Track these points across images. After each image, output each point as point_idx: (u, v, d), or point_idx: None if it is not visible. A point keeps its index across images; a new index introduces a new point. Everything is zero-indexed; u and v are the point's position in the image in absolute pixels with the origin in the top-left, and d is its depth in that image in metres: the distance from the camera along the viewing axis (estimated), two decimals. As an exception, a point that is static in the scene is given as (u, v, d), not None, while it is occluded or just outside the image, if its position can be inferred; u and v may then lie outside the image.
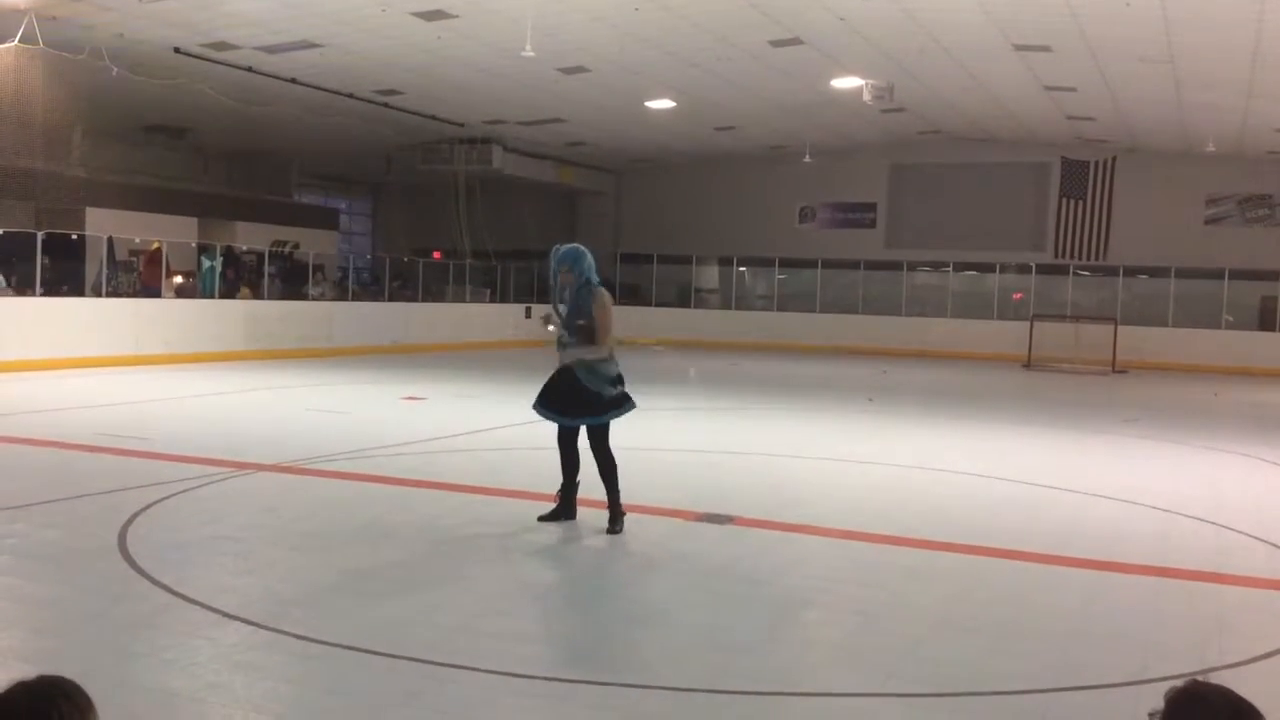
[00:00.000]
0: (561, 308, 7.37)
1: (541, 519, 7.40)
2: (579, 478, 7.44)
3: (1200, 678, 2.13)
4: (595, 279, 7.34)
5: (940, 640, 5.35)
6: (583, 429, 7.34)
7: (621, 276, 33.02)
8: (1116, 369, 24.54)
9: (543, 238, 33.87)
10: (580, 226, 35.04)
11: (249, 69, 20.42)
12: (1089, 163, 29.04)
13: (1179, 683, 2.08)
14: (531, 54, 16.45)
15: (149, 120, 24.97)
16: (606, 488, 7.33)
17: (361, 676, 4.64)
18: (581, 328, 7.19)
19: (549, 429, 7.63)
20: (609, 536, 7.30)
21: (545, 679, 4.65)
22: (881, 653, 5.19)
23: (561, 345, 7.27)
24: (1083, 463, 11.32)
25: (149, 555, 6.19)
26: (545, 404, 7.36)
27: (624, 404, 7.38)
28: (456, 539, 7.09)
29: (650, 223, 33.22)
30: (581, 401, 7.26)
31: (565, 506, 7.45)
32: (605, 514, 7.33)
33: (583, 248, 7.44)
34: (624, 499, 7.25)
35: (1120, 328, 25.31)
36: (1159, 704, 2.05)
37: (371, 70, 21.10)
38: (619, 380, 7.35)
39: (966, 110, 25.31)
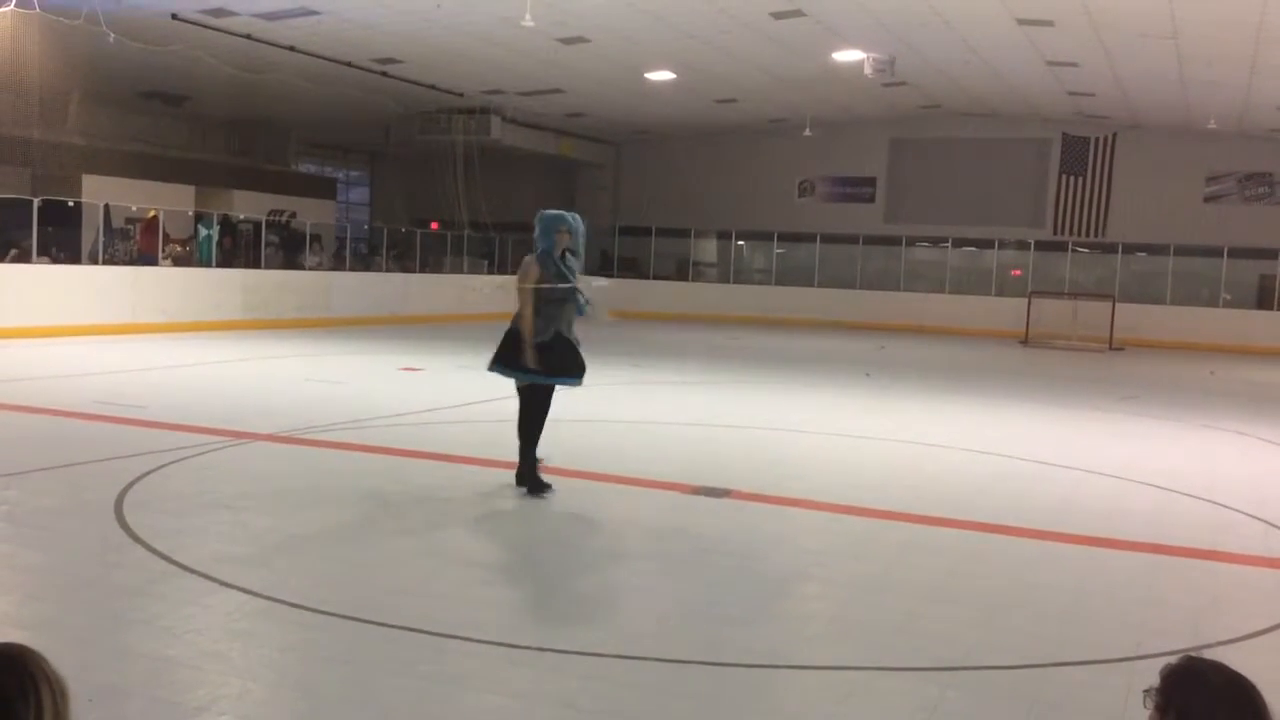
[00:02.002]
0: (574, 264, 7.35)
1: (532, 494, 7.38)
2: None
3: (1196, 653, 2.13)
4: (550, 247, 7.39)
5: (934, 615, 5.37)
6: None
7: (620, 249, 32.95)
8: (1114, 346, 24.53)
9: (539, 209, 33.89)
10: (579, 198, 34.92)
11: (247, 36, 20.27)
12: (1089, 139, 28.93)
13: (1175, 659, 2.08)
14: (531, 24, 16.34)
15: (146, 87, 24.81)
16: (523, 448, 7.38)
17: (357, 645, 4.65)
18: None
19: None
20: (608, 509, 7.31)
21: (539, 649, 4.65)
22: (875, 627, 5.21)
23: (580, 311, 7.31)
24: (1079, 439, 11.33)
25: (145, 523, 6.20)
26: (551, 368, 7.35)
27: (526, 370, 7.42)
28: (452, 509, 7.09)
29: (649, 195, 33.09)
30: (576, 362, 7.32)
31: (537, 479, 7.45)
32: (597, 486, 7.33)
33: (550, 213, 7.51)
34: (620, 471, 7.24)
35: (1118, 305, 25.28)
36: (1155, 680, 2.05)
37: (370, 38, 20.95)
38: (545, 348, 7.39)
39: (968, 85, 25.19)
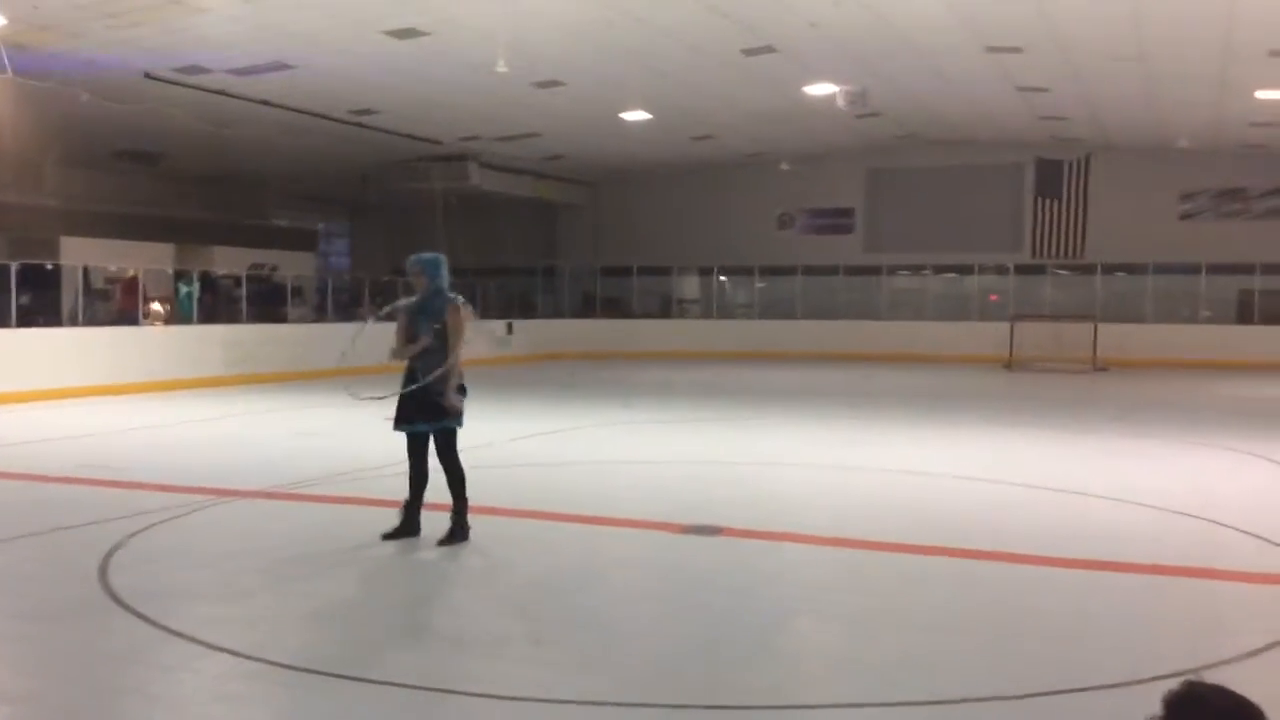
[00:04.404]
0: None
1: (385, 536, 7.25)
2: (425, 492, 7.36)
3: (1196, 677, 2.09)
4: (447, 288, 7.32)
5: (935, 646, 5.30)
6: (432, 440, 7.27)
7: (602, 289, 32.98)
8: (1098, 366, 24.61)
9: (522, 253, 34.01)
10: (560, 240, 35.01)
11: (221, 92, 20.31)
12: (1063, 162, 29.16)
13: (1176, 685, 2.03)
14: (505, 70, 16.39)
15: (121, 146, 24.81)
16: (453, 497, 7.25)
17: (351, 704, 4.56)
18: (436, 331, 7.15)
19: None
20: (599, 552, 7.23)
21: (536, 700, 4.57)
22: (875, 661, 5.14)
23: (405, 352, 7.25)
24: (1070, 461, 11.31)
25: (130, 587, 6.09)
26: (397, 416, 7.29)
27: (460, 414, 7.28)
28: (439, 560, 7.00)
29: (629, 234, 33.20)
30: (426, 407, 7.19)
31: (408, 523, 7.30)
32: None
33: (442, 257, 7.40)
34: (610, 512, 7.16)
35: (1100, 325, 25.38)
36: (1157, 709, 2.00)
37: (345, 90, 21.01)
38: (462, 390, 7.27)
39: (941, 113, 25.40)
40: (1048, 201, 29.64)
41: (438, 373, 7.08)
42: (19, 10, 14.77)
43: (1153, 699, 1.99)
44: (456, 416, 7.25)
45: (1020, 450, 12.19)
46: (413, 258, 7.41)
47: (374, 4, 15.78)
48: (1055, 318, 27.11)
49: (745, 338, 30.18)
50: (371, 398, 7.41)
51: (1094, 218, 29.12)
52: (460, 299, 7.38)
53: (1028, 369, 24.85)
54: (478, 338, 7.32)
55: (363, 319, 7.46)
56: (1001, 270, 29.88)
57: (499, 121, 24.49)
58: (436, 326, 7.17)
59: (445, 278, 7.35)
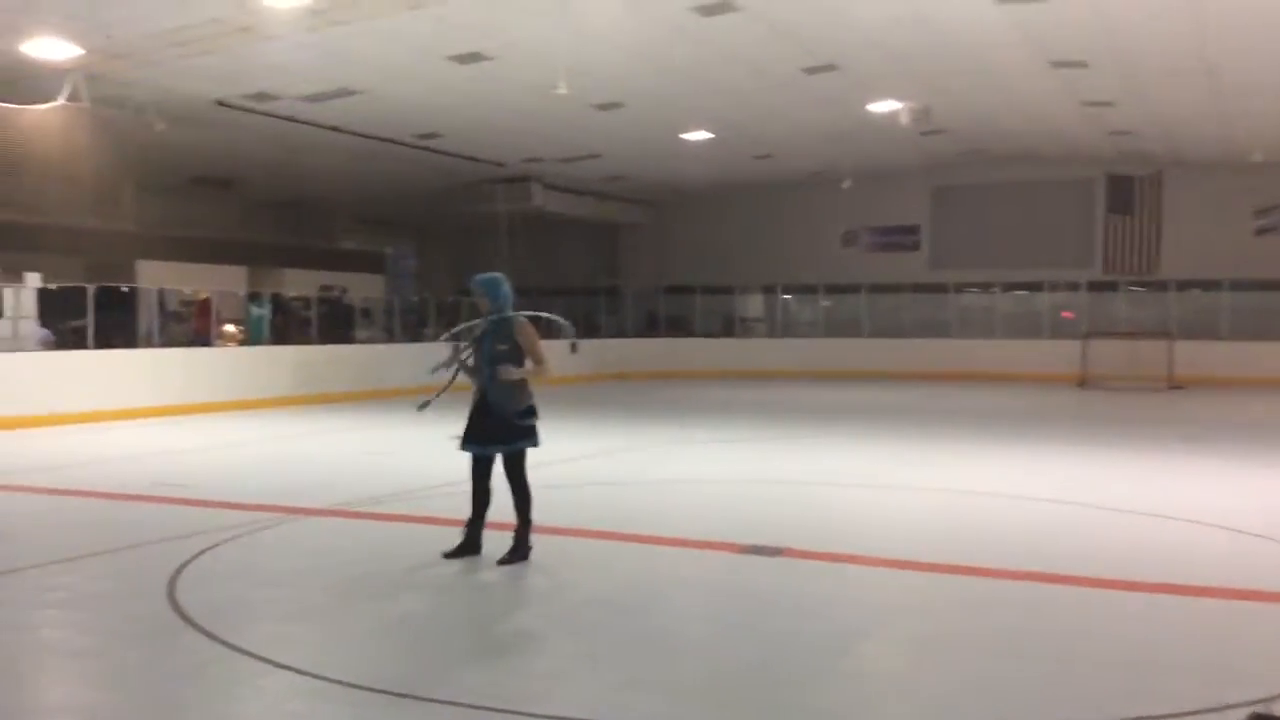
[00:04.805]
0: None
1: (447, 555, 7.29)
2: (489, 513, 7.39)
3: (1265, 708, 2.03)
4: (509, 307, 7.35)
5: (999, 671, 5.21)
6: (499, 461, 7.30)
7: (665, 308, 33.02)
8: (1173, 385, 24.08)
9: (585, 273, 34.18)
10: (622, 260, 35.14)
11: (290, 118, 20.73)
12: (1134, 178, 28.66)
13: (1244, 715, 1.98)
14: (565, 92, 16.53)
15: (195, 172, 25.44)
16: (518, 517, 7.28)
17: (409, 723, 4.59)
18: (505, 352, 7.17)
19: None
20: (658, 572, 7.22)
21: (592, 719, 4.57)
22: (938, 686, 5.06)
23: (480, 370, 7.27)
24: (1143, 483, 11.07)
25: (198, 604, 6.20)
26: (466, 436, 7.33)
27: (532, 435, 7.31)
28: (501, 579, 7.03)
29: (693, 254, 33.22)
30: (492, 429, 7.22)
31: (470, 541, 7.34)
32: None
33: (500, 276, 7.43)
34: (671, 532, 7.14)
35: (1176, 343, 24.85)
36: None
37: (410, 115, 21.34)
38: (531, 411, 7.28)
39: (1006, 129, 25.11)
40: (1119, 217, 29.14)
41: (519, 373, 7.12)
42: (94, 41, 15.21)
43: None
44: (529, 438, 7.27)
45: (1091, 471, 11.96)
46: (475, 279, 7.48)
47: (437, 30, 16.02)
48: (1129, 335, 26.58)
49: (809, 357, 29.98)
50: (425, 402, 7.44)
51: (1167, 233, 28.57)
52: (520, 315, 7.38)
53: (1101, 387, 24.39)
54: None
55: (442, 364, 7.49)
56: (1073, 287, 29.38)
57: (561, 143, 24.69)
58: (503, 348, 7.19)
59: (506, 296, 7.37)
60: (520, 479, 7.28)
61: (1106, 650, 5.53)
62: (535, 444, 7.35)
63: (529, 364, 7.22)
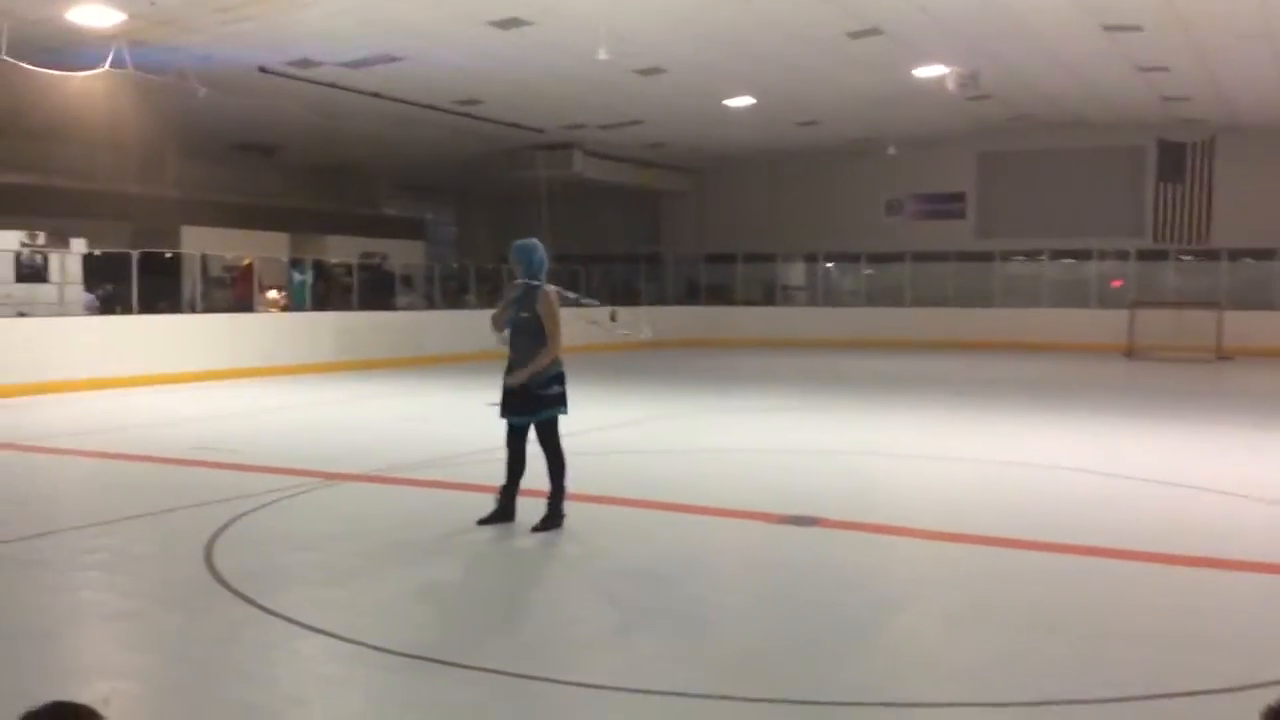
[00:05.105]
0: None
1: (480, 522, 7.29)
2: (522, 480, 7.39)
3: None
4: (541, 275, 7.28)
5: (1036, 645, 5.13)
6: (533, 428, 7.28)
7: (707, 277, 32.87)
8: (1222, 356, 23.66)
9: (625, 241, 34.07)
10: (663, 227, 34.98)
11: (332, 85, 20.74)
12: (1186, 144, 28.07)
13: (1276, 699, 1.91)
14: (606, 57, 16.39)
15: (238, 139, 25.57)
16: (552, 484, 7.26)
17: (439, 688, 4.60)
18: (526, 320, 7.17)
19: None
20: (692, 541, 7.19)
21: (627, 690, 4.55)
22: (974, 660, 4.99)
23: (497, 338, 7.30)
24: (1187, 454, 10.89)
25: (233, 568, 6.25)
26: (502, 404, 7.33)
27: (561, 403, 7.28)
28: (534, 547, 7.04)
29: (734, 221, 33.00)
30: (525, 398, 7.21)
31: (504, 509, 7.34)
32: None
33: (533, 242, 7.37)
34: (707, 501, 7.09)
35: (1226, 313, 24.39)
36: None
37: (451, 81, 21.28)
38: (557, 379, 7.25)
39: (1055, 95, 24.64)
40: (1170, 184, 28.57)
41: (538, 363, 7.09)
42: (137, 7, 15.26)
43: (1266, 702, 1.87)
44: (557, 405, 7.25)
45: (1135, 442, 11.78)
46: (512, 244, 7.44)
47: (478, -6, 15.92)
48: (1178, 304, 26.10)
49: (852, 325, 29.74)
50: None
51: (1220, 201, 27.98)
52: (551, 286, 7.34)
53: (1148, 358, 24.01)
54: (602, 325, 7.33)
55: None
56: (1122, 255, 28.89)
57: (602, 109, 24.54)
58: (525, 315, 7.18)
59: (539, 263, 7.32)
60: (553, 446, 7.27)
61: (1143, 625, 5.43)
62: (564, 411, 7.31)
63: (542, 357, 7.15)
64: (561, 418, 7.32)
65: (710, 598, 6.04)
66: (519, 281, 7.30)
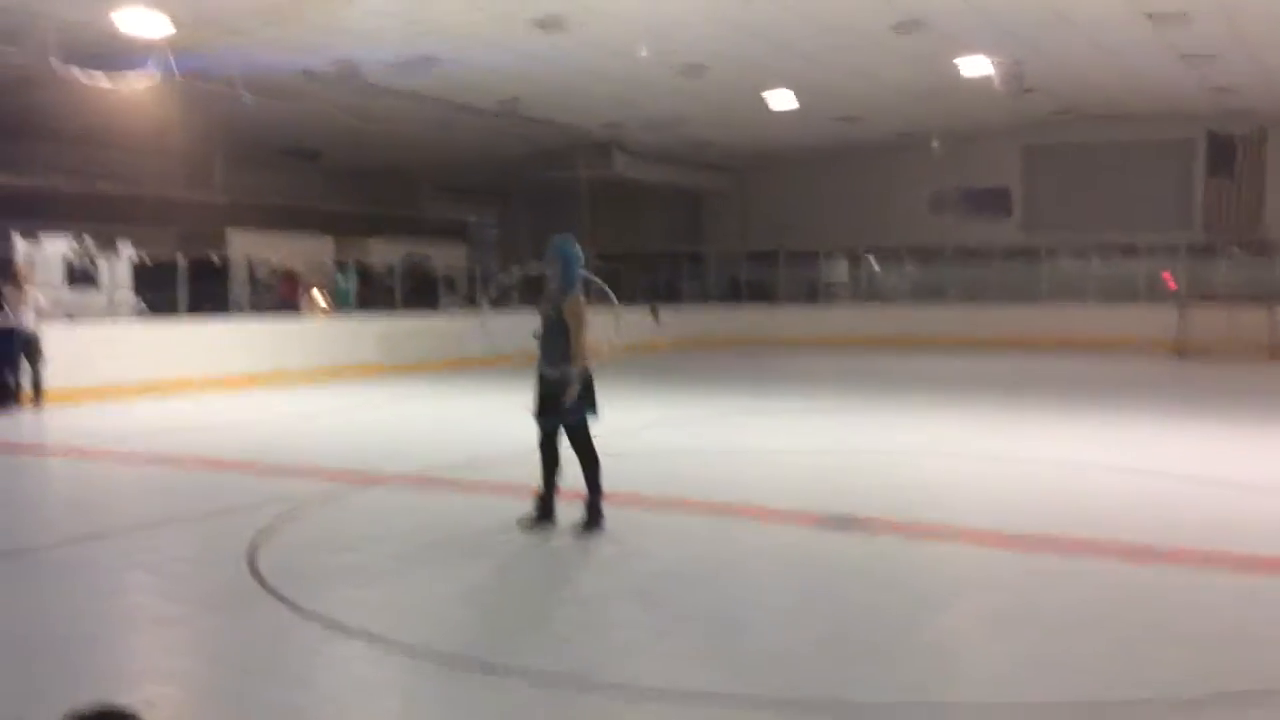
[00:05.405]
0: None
1: (520, 523, 7.31)
2: (560, 481, 7.38)
3: None
4: (573, 273, 7.21)
5: (1079, 646, 5.06)
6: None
7: (749, 275, 32.75)
8: (1275, 354, 23.22)
9: (667, 240, 34.03)
10: (705, 226, 34.91)
11: (375, 86, 20.86)
12: (1235, 136, 27.57)
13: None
14: (646, 54, 16.38)
15: (283, 143, 25.84)
16: (587, 486, 7.25)
17: (474, 689, 4.61)
18: (552, 320, 7.15)
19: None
20: (729, 542, 7.16)
21: (660, 689, 4.54)
22: (1016, 661, 4.93)
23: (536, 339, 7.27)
24: (1236, 456, 10.69)
25: (275, 571, 6.30)
26: (534, 408, 7.33)
27: (585, 408, 7.22)
28: (572, 548, 7.04)
29: (776, 220, 32.84)
30: (548, 401, 7.21)
31: (543, 510, 7.34)
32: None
33: (567, 239, 7.29)
34: (746, 501, 7.05)
35: (1278, 309, 23.90)
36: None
37: (492, 81, 21.36)
38: (585, 383, 7.19)
39: (1101, 87, 24.30)
40: (1219, 178, 28.08)
41: (564, 372, 7.11)
42: (183, 13, 15.45)
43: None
44: (585, 409, 7.23)
45: (1183, 442, 11.58)
46: (552, 241, 7.39)
47: (517, -5, 15.95)
48: (1229, 301, 25.62)
49: (895, 323, 29.49)
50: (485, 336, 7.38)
51: (1271, 194, 27.47)
52: (577, 292, 7.26)
53: (1199, 356, 23.62)
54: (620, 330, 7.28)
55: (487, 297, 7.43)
56: (1171, 251, 28.42)
57: (643, 108, 24.53)
58: (551, 314, 7.16)
59: (567, 261, 7.22)
60: (585, 448, 7.26)
61: (1190, 628, 5.34)
62: (595, 414, 7.30)
63: (573, 369, 7.13)
64: (595, 419, 7.29)
65: (748, 599, 6.01)
66: (554, 283, 7.25)
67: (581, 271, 7.31)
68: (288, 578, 6.17)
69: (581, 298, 7.28)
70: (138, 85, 16.77)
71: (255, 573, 6.29)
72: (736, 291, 32.70)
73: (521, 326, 7.48)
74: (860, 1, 16.98)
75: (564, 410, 7.17)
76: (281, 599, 5.80)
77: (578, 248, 7.33)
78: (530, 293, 24.44)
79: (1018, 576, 6.37)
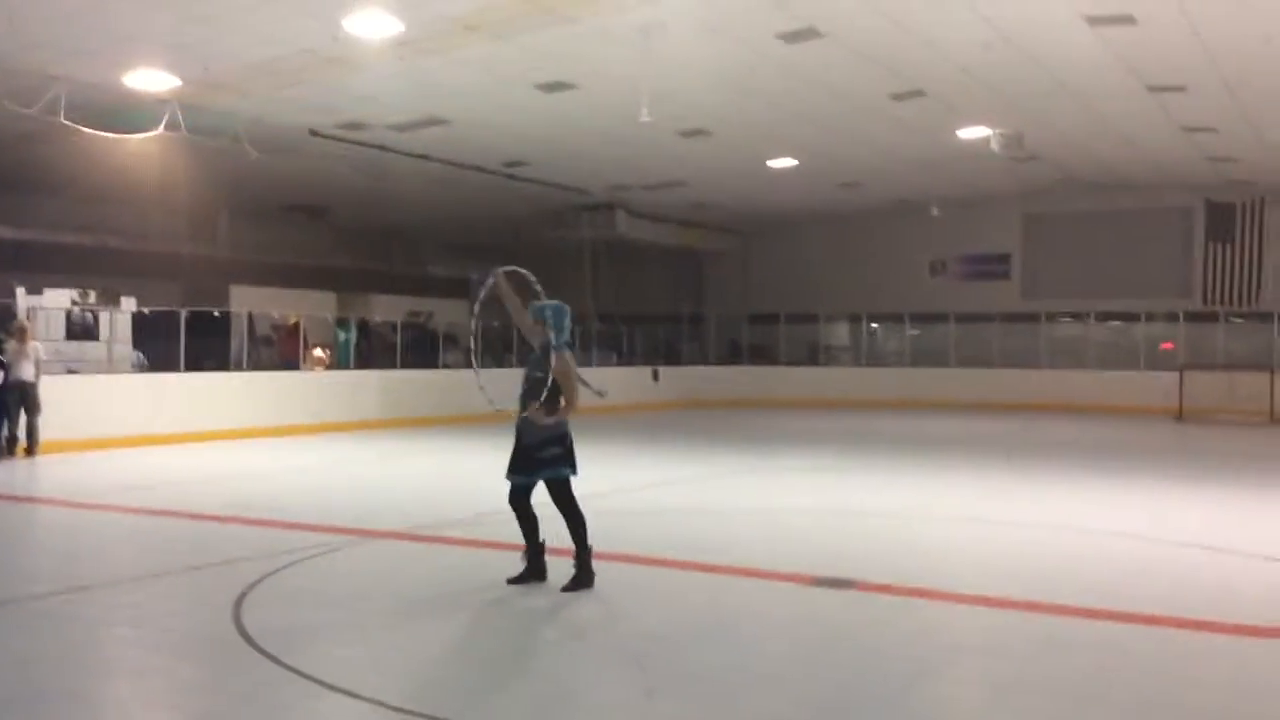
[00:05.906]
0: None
1: (510, 581, 7.22)
2: (542, 538, 7.31)
3: None
4: (556, 335, 7.22)
5: (1075, 716, 4.96)
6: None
7: (749, 337, 32.81)
8: (1275, 420, 23.16)
9: (668, 300, 34.13)
10: (706, 287, 35.03)
11: (381, 147, 21.09)
12: (1235, 204, 27.75)
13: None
14: (649, 119, 16.54)
15: (289, 200, 26.02)
16: (575, 544, 7.19)
17: (457, 752, 4.52)
18: (538, 380, 7.09)
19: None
20: (724, 603, 7.07)
21: (646, 756, 4.44)
22: (1009, 729, 4.83)
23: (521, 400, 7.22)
24: (1238, 521, 10.60)
25: (260, 625, 6.22)
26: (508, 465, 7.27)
27: (561, 464, 7.16)
28: (564, 607, 6.95)
29: (777, 282, 32.98)
30: (522, 458, 7.17)
31: (533, 568, 7.26)
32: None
33: (556, 305, 7.30)
34: (740, 561, 6.98)
35: (1277, 375, 23.89)
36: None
37: (497, 143, 21.57)
38: (560, 440, 7.14)
39: (1100, 155, 24.50)
40: (1219, 246, 28.21)
41: (548, 421, 7.07)
42: (191, 72, 15.64)
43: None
44: (560, 466, 7.16)
45: (1184, 507, 11.50)
46: (547, 305, 7.40)
47: (523, 59, 16.15)
48: (1229, 367, 25.64)
49: (896, 386, 29.51)
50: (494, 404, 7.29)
51: (1270, 262, 27.58)
52: (566, 352, 7.25)
53: (1199, 421, 23.56)
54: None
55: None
56: (1171, 318, 28.49)
57: (646, 171, 24.74)
58: (539, 375, 7.12)
59: (565, 327, 7.28)
60: (567, 506, 7.19)
61: (1191, 697, 5.24)
62: (572, 472, 7.22)
63: (562, 402, 7.11)
64: (596, 478, 7.23)
65: (738, 662, 5.91)
66: (538, 349, 7.24)
67: (566, 338, 7.30)
68: (273, 632, 6.08)
69: (568, 355, 7.26)
70: (145, 141, 16.94)
71: (240, 627, 6.21)
72: (737, 353, 32.73)
73: (518, 382, 7.45)
74: (862, 70, 17.16)
75: (535, 467, 7.10)
76: (265, 654, 5.71)
77: (570, 314, 7.33)
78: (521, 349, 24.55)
79: (1017, 643, 6.28)
